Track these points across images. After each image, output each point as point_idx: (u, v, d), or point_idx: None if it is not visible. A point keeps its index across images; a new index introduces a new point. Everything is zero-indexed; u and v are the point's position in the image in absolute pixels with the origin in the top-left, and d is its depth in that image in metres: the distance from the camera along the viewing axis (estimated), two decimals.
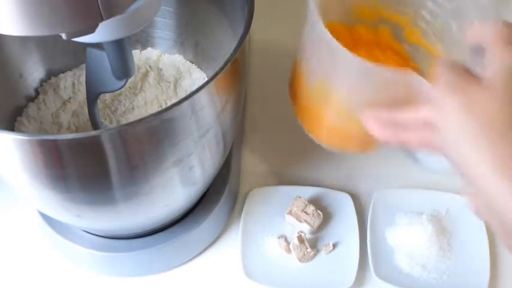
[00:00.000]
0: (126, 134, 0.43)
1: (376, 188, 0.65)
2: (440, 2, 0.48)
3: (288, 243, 0.61)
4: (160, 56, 0.68)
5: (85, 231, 0.59)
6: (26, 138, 0.41)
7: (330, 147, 0.56)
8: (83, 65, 0.65)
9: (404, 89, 0.42)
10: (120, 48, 0.47)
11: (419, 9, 0.51)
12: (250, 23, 0.49)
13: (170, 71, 0.66)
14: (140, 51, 0.68)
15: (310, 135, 0.56)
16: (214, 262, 0.61)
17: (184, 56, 0.68)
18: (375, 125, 0.43)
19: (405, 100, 0.42)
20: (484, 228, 0.62)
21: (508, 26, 0.36)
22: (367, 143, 0.53)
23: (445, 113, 0.36)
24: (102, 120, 0.60)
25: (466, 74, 0.35)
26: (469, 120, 0.34)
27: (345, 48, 0.44)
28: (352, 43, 0.54)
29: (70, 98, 0.64)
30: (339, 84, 0.48)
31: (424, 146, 0.42)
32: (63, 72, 0.66)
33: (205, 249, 0.62)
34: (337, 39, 0.44)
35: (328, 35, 0.44)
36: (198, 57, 0.67)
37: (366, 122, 0.44)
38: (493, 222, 0.36)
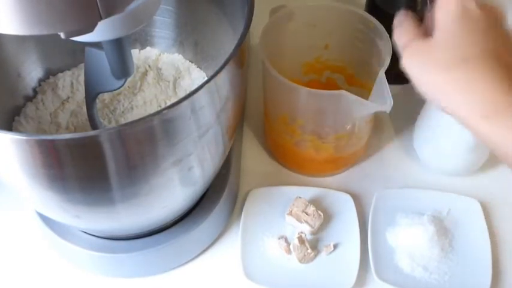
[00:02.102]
0: (125, 134, 0.43)
1: (377, 189, 0.65)
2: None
3: (288, 243, 0.60)
4: (160, 55, 0.67)
5: (84, 231, 0.59)
6: (24, 138, 0.41)
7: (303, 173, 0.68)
8: (82, 65, 0.65)
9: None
10: (119, 48, 0.46)
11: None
12: (250, 22, 0.49)
13: (169, 71, 0.66)
14: (139, 50, 0.68)
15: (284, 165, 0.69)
16: (214, 263, 0.61)
17: (183, 56, 0.67)
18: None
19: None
20: (486, 229, 0.61)
21: None
22: (337, 164, 0.67)
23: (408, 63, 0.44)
24: (101, 120, 0.60)
25: (417, 33, 0.44)
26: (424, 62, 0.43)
27: (291, 82, 0.56)
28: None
29: (69, 97, 0.64)
30: (296, 113, 0.61)
31: None
32: (61, 72, 0.66)
33: (205, 249, 0.62)
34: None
35: (278, 75, 0.57)
36: (198, 56, 0.67)
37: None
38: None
